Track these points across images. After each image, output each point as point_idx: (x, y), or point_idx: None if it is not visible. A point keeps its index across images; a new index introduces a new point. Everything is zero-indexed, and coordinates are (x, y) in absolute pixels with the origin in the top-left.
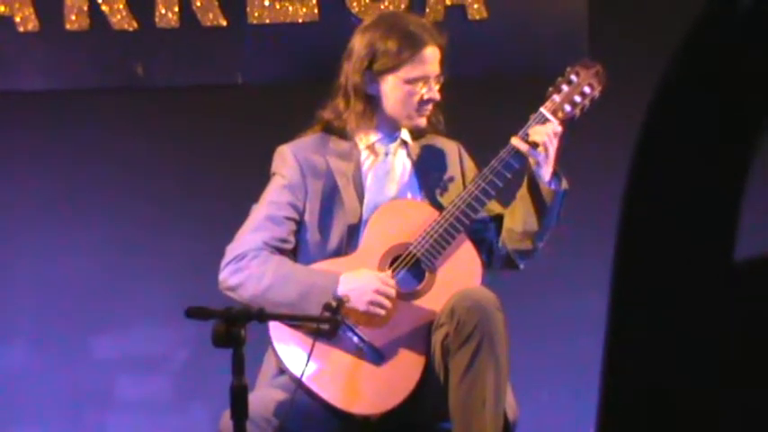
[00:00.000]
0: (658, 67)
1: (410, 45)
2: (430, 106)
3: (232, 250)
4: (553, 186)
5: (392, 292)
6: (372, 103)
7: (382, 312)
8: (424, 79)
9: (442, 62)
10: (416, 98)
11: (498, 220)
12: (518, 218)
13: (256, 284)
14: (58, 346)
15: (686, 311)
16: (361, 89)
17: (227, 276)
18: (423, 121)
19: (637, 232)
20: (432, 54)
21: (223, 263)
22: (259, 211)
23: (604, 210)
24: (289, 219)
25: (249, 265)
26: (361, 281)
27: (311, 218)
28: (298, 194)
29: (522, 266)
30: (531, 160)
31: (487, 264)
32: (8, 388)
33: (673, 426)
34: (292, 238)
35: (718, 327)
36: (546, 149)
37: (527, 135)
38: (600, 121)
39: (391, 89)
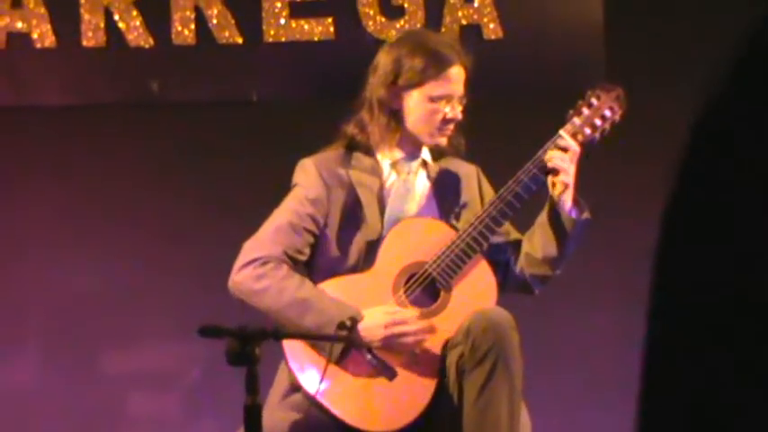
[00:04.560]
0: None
1: (436, 62)
2: (451, 126)
3: (251, 250)
4: (573, 215)
5: (411, 329)
6: (396, 118)
7: (405, 349)
8: (448, 98)
9: (466, 83)
10: (439, 116)
11: (515, 244)
12: (537, 244)
13: (276, 298)
14: (68, 362)
15: (729, 331)
16: (385, 103)
17: (249, 279)
18: (443, 141)
19: (676, 258)
20: (457, 74)
21: (241, 262)
22: (281, 217)
23: (615, 230)
24: (308, 231)
25: (273, 274)
26: (376, 320)
27: (331, 231)
28: (319, 209)
29: (536, 291)
30: (549, 182)
31: (501, 286)
32: (18, 404)
33: None
34: (308, 251)
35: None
36: (565, 174)
37: (545, 159)
38: (615, 142)
39: (415, 105)
